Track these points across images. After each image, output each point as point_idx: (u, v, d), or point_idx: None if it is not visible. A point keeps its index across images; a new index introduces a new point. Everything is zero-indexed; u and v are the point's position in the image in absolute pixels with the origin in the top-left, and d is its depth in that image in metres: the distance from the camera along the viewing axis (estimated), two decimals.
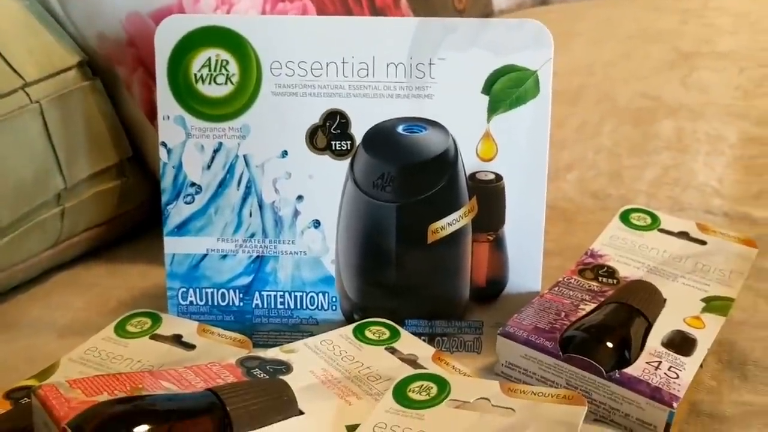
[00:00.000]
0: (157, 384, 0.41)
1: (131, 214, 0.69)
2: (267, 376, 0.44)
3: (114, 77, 0.64)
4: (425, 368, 0.47)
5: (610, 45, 1.00)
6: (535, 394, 0.41)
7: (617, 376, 0.43)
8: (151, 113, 0.64)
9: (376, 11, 0.72)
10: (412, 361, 0.48)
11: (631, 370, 0.44)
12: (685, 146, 0.74)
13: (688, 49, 0.94)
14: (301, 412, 0.41)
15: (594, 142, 0.77)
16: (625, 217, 0.60)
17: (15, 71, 0.56)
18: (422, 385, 0.43)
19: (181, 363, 0.48)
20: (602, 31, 1.05)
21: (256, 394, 0.40)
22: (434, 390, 0.43)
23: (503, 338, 0.47)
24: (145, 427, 0.36)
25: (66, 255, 0.64)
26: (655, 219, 0.60)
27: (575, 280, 0.53)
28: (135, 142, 0.67)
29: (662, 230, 0.59)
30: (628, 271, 0.54)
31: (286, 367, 0.46)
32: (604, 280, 0.53)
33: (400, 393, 0.43)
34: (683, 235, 0.58)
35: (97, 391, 0.38)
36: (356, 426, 0.41)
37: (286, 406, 0.41)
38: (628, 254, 0.56)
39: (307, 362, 0.47)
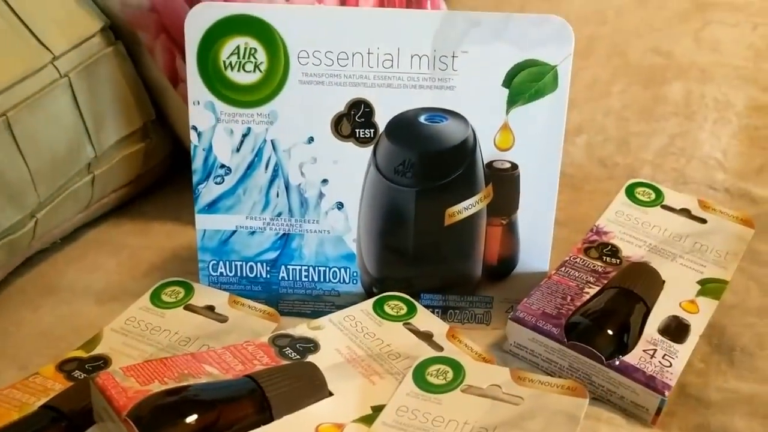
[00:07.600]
0: (200, 368, 0.45)
1: (154, 171, 0.71)
2: (298, 356, 0.48)
3: (136, 41, 0.65)
4: (440, 346, 0.51)
5: None
6: (542, 384, 0.46)
7: (616, 363, 0.48)
8: (173, 77, 0.65)
9: None
10: (428, 337, 0.52)
11: (629, 358, 0.48)
12: (693, 112, 0.75)
13: None
14: (331, 393, 0.46)
15: (603, 103, 0.78)
16: (630, 192, 0.63)
17: (44, 45, 0.57)
18: (439, 369, 0.47)
19: (216, 335, 0.52)
20: None
21: (291, 380, 0.45)
22: (450, 374, 0.47)
23: (513, 322, 0.51)
24: (195, 415, 0.41)
25: (96, 214, 0.67)
26: (659, 194, 0.63)
27: (581, 259, 0.56)
28: (156, 103, 0.68)
29: (665, 207, 0.62)
30: (630, 250, 0.57)
31: (314, 345, 0.50)
32: (608, 259, 0.56)
33: (419, 376, 0.47)
34: (684, 212, 0.61)
35: (149, 380, 0.42)
36: (381, 407, 0.45)
37: (317, 389, 0.46)
38: (631, 232, 0.59)
39: (333, 340, 0.51)
